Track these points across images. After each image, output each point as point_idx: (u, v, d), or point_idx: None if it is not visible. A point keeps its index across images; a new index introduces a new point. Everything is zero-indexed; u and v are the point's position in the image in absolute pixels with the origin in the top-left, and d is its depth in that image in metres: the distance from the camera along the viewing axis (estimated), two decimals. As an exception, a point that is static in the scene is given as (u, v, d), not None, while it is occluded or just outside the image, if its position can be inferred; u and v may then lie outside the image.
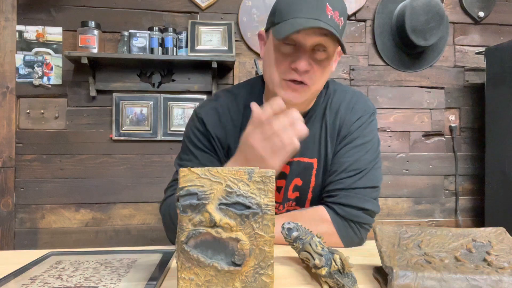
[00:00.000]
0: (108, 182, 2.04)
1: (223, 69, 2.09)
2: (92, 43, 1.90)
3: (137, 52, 1.97)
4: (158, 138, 2.06)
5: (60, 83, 2.01)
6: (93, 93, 1.99)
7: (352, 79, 2.22)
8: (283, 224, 0.67)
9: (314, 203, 0.93)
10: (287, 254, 0.74)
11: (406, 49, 2.21)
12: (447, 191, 2.30)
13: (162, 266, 0.66)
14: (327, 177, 0.90)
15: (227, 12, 2.13)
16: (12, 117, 1.97)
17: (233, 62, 2.00)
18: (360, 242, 0.87)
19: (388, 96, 2.25)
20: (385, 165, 2.23)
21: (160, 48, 2.02)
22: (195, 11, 2.12)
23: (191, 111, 1.86)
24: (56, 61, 2.01)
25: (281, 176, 0.91)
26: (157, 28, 2.01)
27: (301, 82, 0.81)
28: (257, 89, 0.96)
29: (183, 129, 2.00)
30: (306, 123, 0.92)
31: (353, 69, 2.22)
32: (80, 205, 2.03)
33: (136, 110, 2.04)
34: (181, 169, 0.53)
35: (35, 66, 1.99)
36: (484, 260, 0.56)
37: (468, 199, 2.32)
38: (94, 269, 0.65)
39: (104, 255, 0.73)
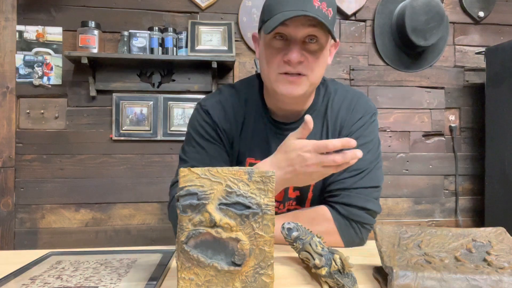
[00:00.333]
0: (108, 182, 2.04)
1: (223, 69, 2.09)
2: (92, 43, 1.90)
3: (137, 52, 1.97)
4: (158, 138, 2.06)
5: (60, 83, 2.01)
6: (93, 93, 1.99)
7: (352, 79, 2.22)
8: (283, 224, 0.67)
9: (314, 202, 0.93)
10: (287, 254, 0.74)
11: (406, 49, 2.21)
12: (447, 191, 2.30)
13: (162, 266, 0.66)
14: (329, 177, 0.90)
15: (227, 12, 2.13)
16: (12, 117, 1.97)
17: (233, 62, 2.00)
18: (360, 242, 0.87)
19: (388, 96, 2.25)
20: (385, 165, 2.23)
21: (160, 48, 2.02)
22: (195, 11, 2.12)
23: (191, 111, 1.85)
24: (56, 61, 2.01)
25: None
26: (157, 28, 2.01)
27: (297, 74, 0.81)
28: (256, 85, 0.96)
29: (183, 129, 2.02)
30: None
31: (353, 69, 2.22)
32: (80, 205, 2.03)
33: (136, 110, 2.04)
34: (181, 169, 0.53)
35: (35, 66, 1.99)
36: (484, 260, 0.56)
37: (468, 199, 2.32)
38: (94, 269, 0.65)
39: (104, 255, 0.73)
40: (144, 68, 2.05)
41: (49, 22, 2.01)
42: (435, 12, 2.08)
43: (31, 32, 1.99)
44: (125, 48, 1.98)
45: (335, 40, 0.82)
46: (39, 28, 1.99)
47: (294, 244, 0.65)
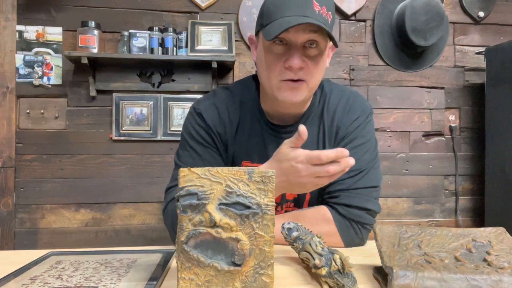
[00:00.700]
0: (108, 182, 2.04)
1: (223, 69, 2.09)
2: (92, 43, 1.90)
3: (137, 52, 1.97)
4: (158, 138, 2.06)
5: (60, 83, 2.01)
6: (93, 93, 1.99)
7: (352, 79, 2.22)
8: (283, 224, 0.67)
9: (312, 204, 0.93)
10: (287, 254, 0.74)
11: (406, 49, 2.21)
12: (447, 191, 2.30)
13: (162, 266, 0.66)
14: None
15: (227, 12, 2.13)
16: (12, 117, 1.97)
17: (233, 62, 2.00)
18: (361, 243, 0.87)
19: (388, 96, 2.25)
20: (385, 165, 2.23)
21: (160, 48, 2.02)
22: (195, 11, 2.12)
23: (191, 111, 1.86)
24: (56, 61, 2.01)
25: None
26: (157, 28, 2.01)
27: (298, 80, 0.81)
28: (251, 87, 0.96)
29: (183, 129, 2.02)
30: (304, 124, 0.92)
31: (353, 69, 2.22)
32: (80, 205, 2.03)
33: (136, 110, 2.04)
34: (181, 169, 0.53)
35: (35, 66, 1.99)
36: (484, 260, 0.56)
37: (468, 199, 2.32)
38: (94, 269, 0.65)
39: (104, 255, 0.73)
40: (144, 68, 2.05)
41: (49, 22, 2.01)
42: (435, 12, 2.08)
43: (31, 32, 1.99)
44: (125, 48, 1.98)
45: (336, 46, 0.82)
46: (39, 28, 1.99)
47: (294, 244, 0.65)
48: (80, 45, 1.89)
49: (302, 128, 0.68)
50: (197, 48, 2.02)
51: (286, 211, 0.95)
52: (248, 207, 0.52)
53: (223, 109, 0.92)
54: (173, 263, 0.68)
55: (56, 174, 2.01)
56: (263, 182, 0.53)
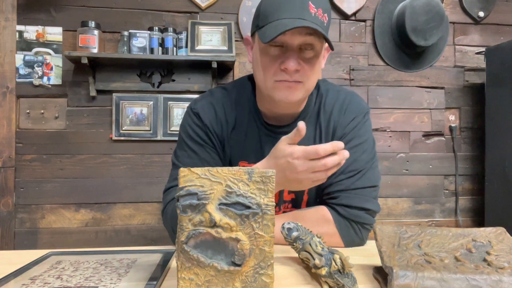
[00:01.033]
0: (108, 182, 2.04)
1: (223, 69, 2.09)
2: (92, 43, 1.90)
3: (137, 52, 1.97)
4: (158, 138, 2.06)
5: (60, 83, 2.01)
6: (93, 93, 1.99)
7: (352, 79, 2.22)
8: (283, 224, 0.67)
9: (310, 204, 0.93)
10: (287, 254, 0.74)
11: (406, 49, 2.21)
12: (447, 191, 2.30)
13: (162, 266, 0.66)
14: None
15: (227, 12, 2.13)
16: (12, 117, 1.97)
17: (233, 62, 2.00)
18: (361, 243, 0.87)
19: (388, 96, 2.25)
20: (385, 165, 2.23)
21: (160, 48, 2.02)
22: (195, 11, 2.12)
23: (191, 111, 1.86)
24: (56, 61, 2.01)
25: None
26: (157, 28, 2.01)
27: (294, 81, 0.81)
28: (247, 88, 0.96)
29: (183, 129, 2.02)
30: None
31: (353, 69, 2.22)
32: (80, 205, 2.03)
33: (136, 110, 2.04)
34: (181, 169, 0.53)
35: (35, 66, 1.99)
36: (484, 260, 0.56)
37: (468, 199, 2.31)
38: (94, 269, 0.65)
39: (104, 255, 0.73)
40: (144, 68, 2.05)
41: (49, 22, 2.01)
42: (435, 12, 2.08)
43: (31, 32, 1.99)
44: (125, 48, 1.98)
45: (332, 48, 0.82)
46: (39, 28, 1.99)
47: (294, 244, 0.65)
48: (80, 45, 1.89)
49: (301, 124, 0.68)
50: (197, 48, 2.02)
51: (284, 212, 0.95)
52: (248, 207, 0.52)
53: (220, 108, 0.92)
54: (173, 263, 0.68)
55: (56, 174, 2.01)
56: (263, 182, 0.53)
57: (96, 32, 1.92)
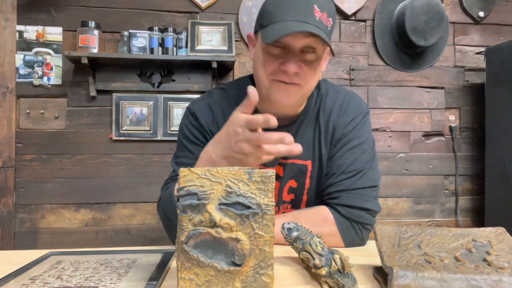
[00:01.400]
0: (108, 182, 2.04)
1: (223, 69, 2.09)
2: (92, 43, 1.90)
3: (137, 52, 1.97)
4: (158, 138, 2.06)
5: (60, 83, 2.01)
6: (93, 93, 1.99)
7: (352, 79, 2.22)
8: (283, 224, 0.67)
9: (309, 205, 0.93)
10: (287, 254, 0.74)
11: (406, 49, 2.21)
12: (447, 191, 2.30)
13: (162, 266, 0.66)
14: (326, 180, 0.90)
15: (227, 12, 2.13)
16: (12, 117, 1.97)
17: (233, 62, 2.00)
18: (361, 243, 0.87)
19: (388, 96, 2.25)
20: (385, 165, 2.23)
21: (160, 48, 2.02)
22: (195, 11, 2.12)
23: (191, 111, 1.86)
24: (56, 61, 2.01)
25: (275, 178, 0.91)
26: (157, 28, 2.01)
27: (292, 83, 0.80)
28: (246, 87, 0.96)
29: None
30: (300, 125, 0.92)
31: (353, 69, 2.22)
32: (80, 205, 2.03)
33: (136, 110, 2.04)
34: (181, 169, 0.53)
35: (35, 66, 1.99)
36: (484, 260, 0.56)
37: (468, 199, 2.31)
38: (94, 269, 0.65)
39: (104, 255, 0.73)
40: (144, 68, 2.05)
41: (49, 22, 2.01)
42: (435, 12, 2.08)
43: (31, 32, 1.99)
44: (125, 48, 1.98)
45: (333, 54, 0.81)
46: (39, 28, 1.99)
47: (294, 244, 0.65)
48: (80, 45, 1.89)
49: (250, 89, 0.66)
50: (197, 48, 2.02)
51: (283, 213, 0.95)
52: (248, 207, 0.52)
53: (218, 109, 0.93)
54: (173, 263, 0.68)
55: (56, 174, 2.01)
56: (263, 182, 0.53)
57: (96, 32, 1.92)
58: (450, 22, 2.28)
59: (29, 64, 1.99)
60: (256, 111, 0.93)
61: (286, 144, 0.63)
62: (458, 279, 0.52)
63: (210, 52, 2.02)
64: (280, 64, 0.79)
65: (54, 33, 2.01)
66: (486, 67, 2.13)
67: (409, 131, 2.27)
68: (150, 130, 2.05)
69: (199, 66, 2.05)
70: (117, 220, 2.05)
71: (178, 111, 2.07)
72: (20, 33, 1.98)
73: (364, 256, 0.76)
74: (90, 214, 2.03)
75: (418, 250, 0.59)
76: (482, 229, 0.63)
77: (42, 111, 2.00)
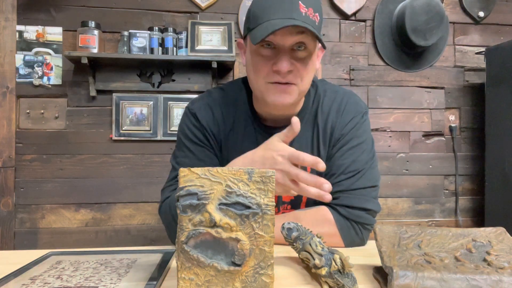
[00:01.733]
0: (108, 182, 2.04)
1: (223, 69, 2.09)
2: (92, 43, 1.90)
3: (137, 52, 1.97)
4: (158, 138, 2.06)
5: (60, 83, 2.01)
6: (93, 93, 1.99)
7: (352, 79, 2.22)
8: (283, 224, 0.67)
9: (309, 205, 0.93)
10: (287, 254, 0.74)
11: (406, 49, 2.21)
12: (447, 191, 2.30)
13: (162, 266, 0.66)
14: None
15: (227, 12, 2.13)
16: (12, 117, 1.97)
17: (233, 62, 2.00)
18: (361, 243, 0.86)
19: (388, 96, 2.25)
20: (385, 165, 2.23)
21: (160, 48, 2.02)
22: (195, 11, 2.12)
23: (191, 111, 1.85)
24: (56, 61, 2.01)
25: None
26: (157, 28, 2.01)
27: (287, 83, 0.80)
28: (243, 89, 0.96)
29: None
30: None
31: (353, 69, 2.22)
32: (80, 205, 2.03)
33: (136, 110, 2.04)
34: (181, 169, 0.53)
35: (35, 66, 1.99)
36: (484, 260, 0.56)
37: (468, 199, 2.31)
38: (94, 269, 0.65)
39: (104, 255, 0.73)
40: (144, 68, 2.05)
41: (49, 22, 2.01)
42: (435, 12, 2.08)
43: (31, 32, 1.99)
44: (125, 48, 1.98)
45: (324, 47, 0.81)
46: (39, 28, 1.99)
47: (294, 244, 0.65)
48: (80, 45, 1.89)
49: (294, 119, 0.68)
50: (197, 48, 2.02)
51: (283, 213, 0.95)
52: (248, 207, 0.52)
53: (217, 109, 0.93)
54: (173, 263, 0.68)
55: (56, 174, 2.01)
56: (263, 182, 0.53)
57: (96, 32, 1.92)
58: (450, 22, 2.28)
59: (29, 64, 1.99)
60: (253, 111, 0.93)
61: (319, 190, 0.65)
62: (458, 279, 0.52)
63: (210, 52, 2.02)
64: (272, 65, 0.79)
65: (54, 33, 2.01)
66: (486, 67, 2.13)
67: (409, 131, 2.27)
68: (150, 130, 2.05)
69: (199, 66, 2.05)
70: (117, 220, 2.05)
71: (178, 111, 2.07)
72: (20, 33, 1.98)
73: (364, 256, 0.76)
74: (90, 214, 2.03)
75: (418, 250, 0.59)
76: (482, 229, 0.63)
77: (42, 111, 2.00)
